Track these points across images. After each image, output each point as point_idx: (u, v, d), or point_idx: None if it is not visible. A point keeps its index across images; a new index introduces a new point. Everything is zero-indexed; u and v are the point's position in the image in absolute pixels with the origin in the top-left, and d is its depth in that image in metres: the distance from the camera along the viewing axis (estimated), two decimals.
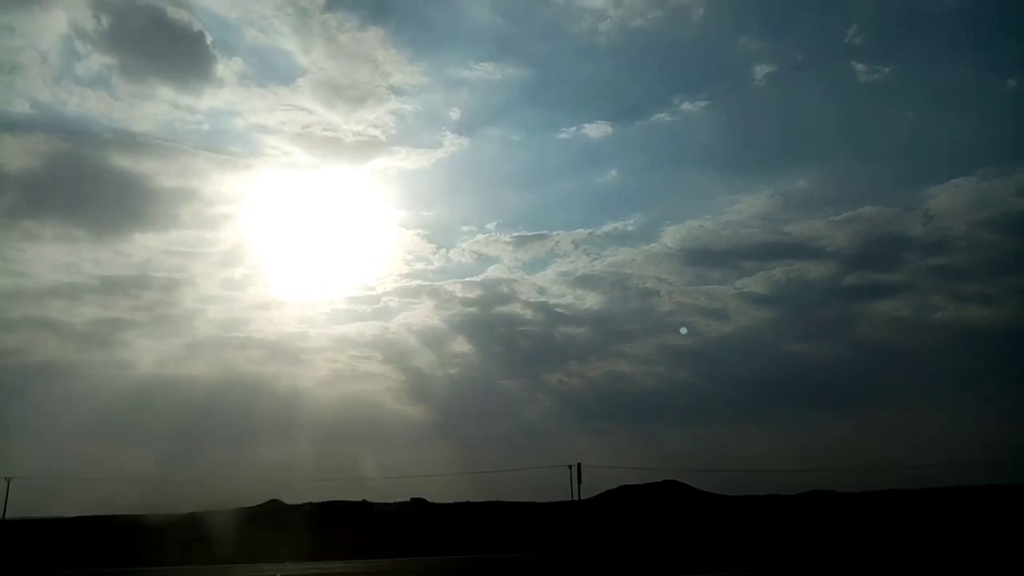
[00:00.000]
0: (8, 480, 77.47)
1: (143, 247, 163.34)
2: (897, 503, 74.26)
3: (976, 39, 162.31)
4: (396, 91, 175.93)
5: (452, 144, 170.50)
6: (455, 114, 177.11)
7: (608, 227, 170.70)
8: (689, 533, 51.16)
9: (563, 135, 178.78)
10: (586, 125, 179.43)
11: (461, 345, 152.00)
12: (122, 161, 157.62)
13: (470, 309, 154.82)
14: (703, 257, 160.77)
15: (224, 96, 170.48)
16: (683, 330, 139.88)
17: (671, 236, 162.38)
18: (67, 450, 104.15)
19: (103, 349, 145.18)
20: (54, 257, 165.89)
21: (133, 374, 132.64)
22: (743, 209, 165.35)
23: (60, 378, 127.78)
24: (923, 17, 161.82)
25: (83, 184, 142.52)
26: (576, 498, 67.21)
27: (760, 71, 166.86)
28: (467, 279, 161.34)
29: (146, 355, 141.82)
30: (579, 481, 65.60)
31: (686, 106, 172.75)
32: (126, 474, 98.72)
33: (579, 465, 66.31)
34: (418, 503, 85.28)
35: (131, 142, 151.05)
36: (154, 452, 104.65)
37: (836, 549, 36.91)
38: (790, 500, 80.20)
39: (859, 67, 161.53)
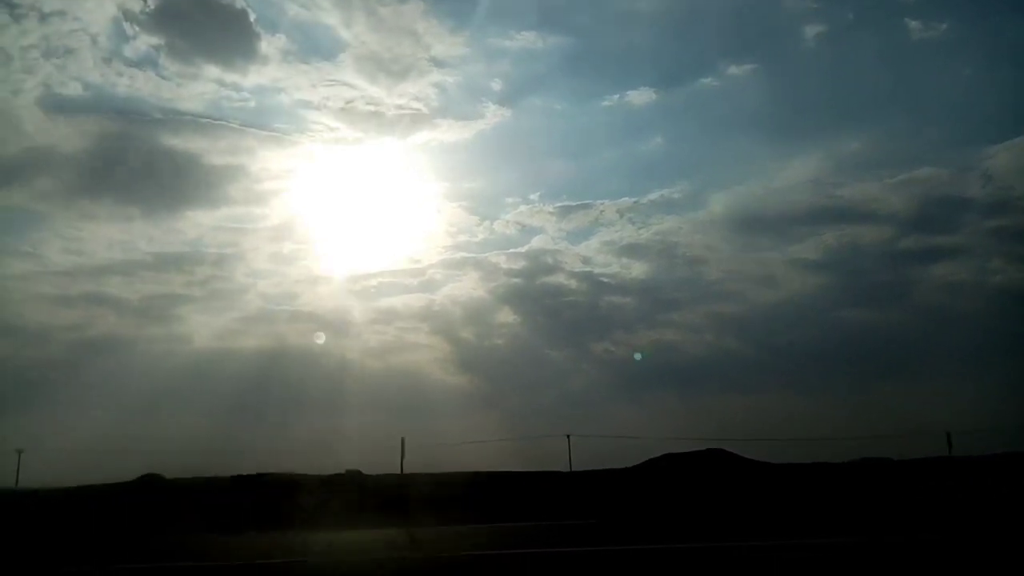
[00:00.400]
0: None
1: (194, 224, 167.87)
2: (952, 469, 72.88)
3: None
4: (438, 63, 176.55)
5: (494, 115, 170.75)
6: (497, 85, 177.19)
7: (654, 195, 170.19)
8: (732, 500, 51.01)
9: (607, 103, 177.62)
10: (630, 92, 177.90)
11: (506, 316, 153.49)
12: (172, 140, 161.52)
13: (515, 280, 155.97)
14: (752, 224, 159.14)
15: (269, 73, 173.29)
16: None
17: (719, 203, 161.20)
18: (127, 421, 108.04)
19: (159, 324, 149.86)
20: (110, 235, 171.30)
21: (188, 348, 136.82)
22: (793, 174, 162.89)
23: (118, 352, 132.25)
24: None
25: (135, 163, 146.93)
26: (569, 470, 71.98)
27: (810, 31, 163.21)
28: (511, 250, 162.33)
29: (201, 329, 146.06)
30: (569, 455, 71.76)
31: (733, 70, 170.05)
32: (184, 443, 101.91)
33: (568, 437, 74.00)
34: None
35: (180, 121, 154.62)
36: (212, 422, 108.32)
37: (881, 517, 36.43)
38: (840, 468, 79.28)
39: (913, 24, 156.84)
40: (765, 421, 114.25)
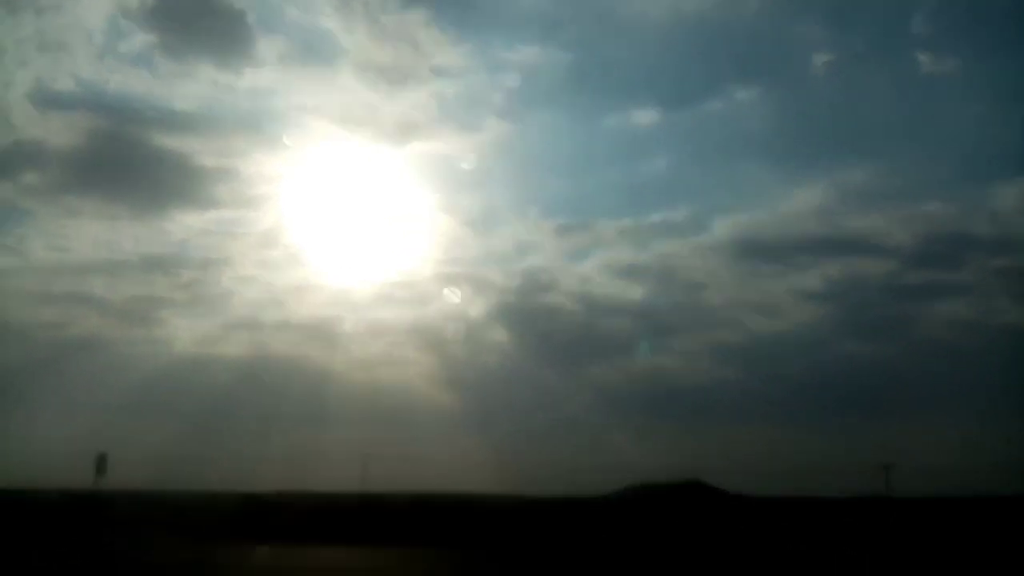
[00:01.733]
0: None
1: (182, 225, 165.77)
2: (947, 509, 69.21)
3: None
4: (438, 73, 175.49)
5: (494, 128, 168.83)
6: (498, 98, 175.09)
7: (655, 217, 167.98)
8: (704, 536, 47.45)
9: (609, 121, 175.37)
10: (634, 111, 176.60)
11: (499, 334, 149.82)
12: (163, 139, 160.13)
13: (509, 298, 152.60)
14: (754, 251, 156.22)
15: (265, 75, 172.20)
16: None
17: (721, 228, 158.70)
18: (100, 424, 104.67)
19: (141, 326, 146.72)
20: (95, 233, 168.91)
21: (169, 352, 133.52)
22: (798, 202, 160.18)
23: (98, 353, 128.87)
24: (990, 8, 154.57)
25: (124, 161, 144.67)
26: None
27: (819, 59, 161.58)
28: (507, 267, 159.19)
29: (183, 334, 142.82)
30: None
31: (740, 93, 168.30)
32: (152, 451, 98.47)
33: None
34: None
35: (172, 120, 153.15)
36: (183, 430, 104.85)
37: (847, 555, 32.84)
38: (827, 504, 75.58)
39: (923, 58, 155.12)
40: (757, 453, 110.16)
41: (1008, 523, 53.84)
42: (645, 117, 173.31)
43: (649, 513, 59.43)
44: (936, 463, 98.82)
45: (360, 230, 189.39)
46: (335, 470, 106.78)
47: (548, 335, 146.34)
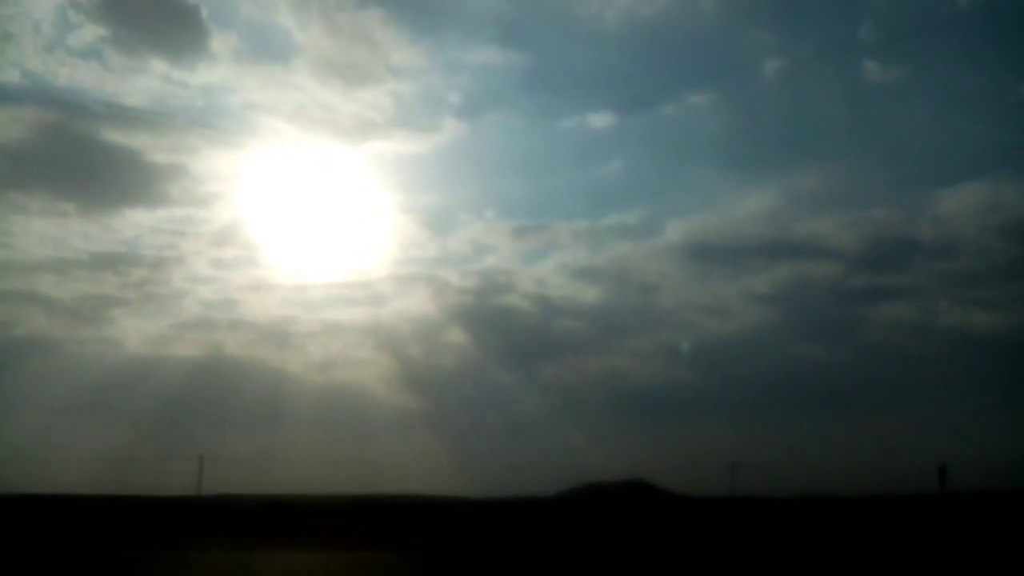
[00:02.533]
0: None
1: (133, 223, 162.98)
2: (889, 507, 71.06)
3: (988, 43, 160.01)
4: (395, 73, 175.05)
5: (451, 129, 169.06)
6: (455, 98, 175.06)
7: (610, 219, 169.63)
8: (643, 536, 48.33)
9: (566, 123, 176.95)
10: (590, 114, 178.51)
11: (455, 335, 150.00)
12: (113, 135, 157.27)
13: (466, 299, 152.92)
14: (706, 254, 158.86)
15: (218, 72, 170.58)
16: (684, 346, 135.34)
17: (674, 231, 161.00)
18: (47, 425, 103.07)
19: (91, 325, 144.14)
20: (43, 230, 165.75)
21: (119, 352, 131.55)
22: (749, 206, 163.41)
23: (46, 353, 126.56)
24: (936, 18, 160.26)
25: (73, 157, 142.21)
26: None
27: (770, 66, 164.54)
28: (463, 268, 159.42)
29: (133, 334, 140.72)
30: None
31: (693, 98, 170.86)
32: (99, 452, 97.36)
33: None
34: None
35: (122, 115, 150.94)
36: (134, 431, 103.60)
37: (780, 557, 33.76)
38: (775, 504, 77.08)
39: (871, 65, 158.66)
40: (708, 453, 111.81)
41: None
42: (601, 120, 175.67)
43: (592, 513, 60.33)
44: (878, 461, 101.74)
45: (316, 230, 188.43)
46: (290, 472, 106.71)
47: (504, 336, 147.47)
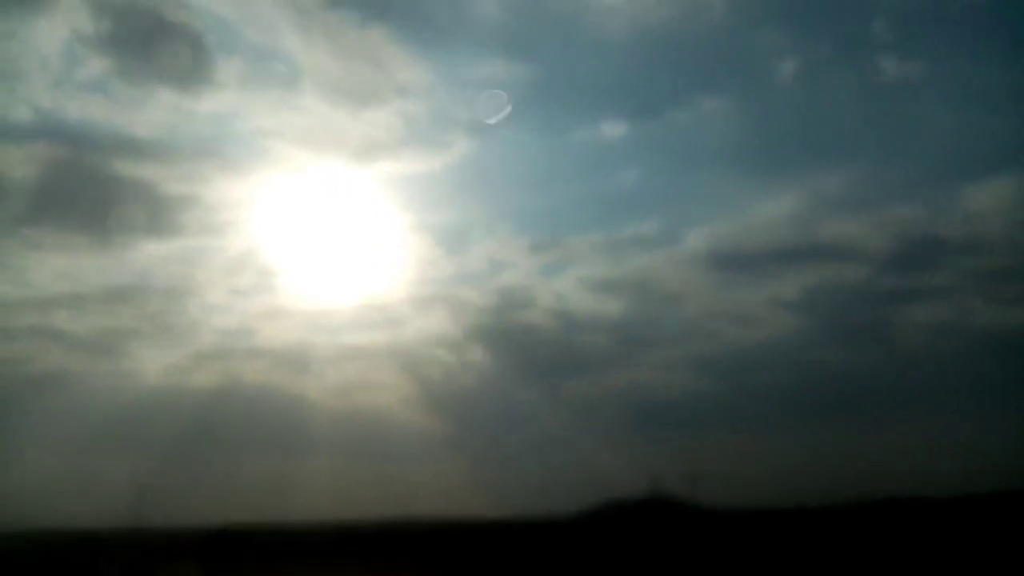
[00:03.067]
0: None
1: (146, 255, 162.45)
2: (935, 512, 68.71)
3: (1007, 34, 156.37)
4: (402, 91, 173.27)
5: (462, 145, 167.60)
6: (465, 114, 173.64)
7: (628, 230, 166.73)
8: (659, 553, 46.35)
9: (578, 135, 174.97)
10: (601, 124, 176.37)
11: (476, 354, 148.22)
12: (124, 167, 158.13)
13: (485, 316, 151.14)
14: (729, 261, 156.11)
15: (225, 99, 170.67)
16: None
17: (695, 239, 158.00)
18: (68, 460, 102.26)
19: (107, 358, 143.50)
20: (57, 265, 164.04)
21: (137, 384, 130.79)
22: (771, 211, 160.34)
23: (64, 388, 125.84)
24: (951, 11, 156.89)
25: (84, 191, 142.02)
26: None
27: (783, 67, 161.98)
28: (481, 285, 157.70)
29: (150, 365, 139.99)
30: None
31: (707, 103, 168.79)
32: (120, 485, 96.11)
33: None
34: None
35: (132, 147, 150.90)
36: (154, 464, 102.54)
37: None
38: (813, 513, 74.78)
39: (887, 62, 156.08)
40: (739, 464, 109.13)
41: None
42: (613, 130, 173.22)
43: (614, 531, 58.62)
44: (920, 466, 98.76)
45: (330, 253, 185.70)
46: (313, 499, 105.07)
47: (525, 352, 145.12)
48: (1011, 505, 64.28)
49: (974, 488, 78.18)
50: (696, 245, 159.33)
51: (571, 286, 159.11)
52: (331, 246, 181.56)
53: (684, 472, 78.72)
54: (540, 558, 45.99)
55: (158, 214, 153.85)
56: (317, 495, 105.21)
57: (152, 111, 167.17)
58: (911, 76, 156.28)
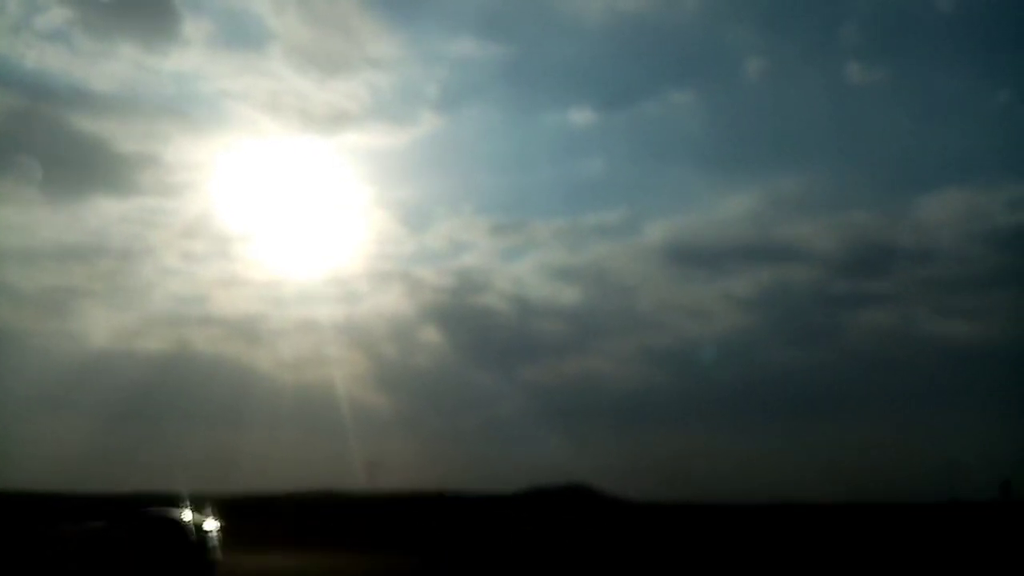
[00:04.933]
0: None
1: (101, 213, 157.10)
2: (859, 516, 70.38)
3: (970, 48, 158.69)
4: (372, 63, 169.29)
5: (429, 122, 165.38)
6: (433, 90, 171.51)
7: (590, 218, 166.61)
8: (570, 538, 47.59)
9: (546, 119, 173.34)
10: (570, 110, 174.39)
11: (431, 334, 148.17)
12: (81, 121, 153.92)
13: (442, 297, 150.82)
14: (687, 255, 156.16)
15: (191, 58, 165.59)
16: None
17: (655, 231, 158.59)
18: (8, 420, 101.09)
19: (56, 318, 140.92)
20: (6, 218, 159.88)
21: (84, 346, 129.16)
22: (730, 207, 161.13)
23: (8, 345, 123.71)
24: (919, 21, 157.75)
25: (39, 143, 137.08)
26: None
27: (752, 65, 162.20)
28: (440, 265, 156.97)
29: (100, 327, 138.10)
30: None
31: (676, 96, 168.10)
32: (63, 448, 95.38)
33: None
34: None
35: (91, 101, 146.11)
36: (98, 428, 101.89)
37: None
38: (736, 510, 76.41)
39: (853, 67, 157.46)
40: (685, 456, 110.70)
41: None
42: (582, 116, 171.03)
43: (531, 514, 60.27)
44: (858, 469, 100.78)
45: (289, 223, 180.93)
46: (260, 470, 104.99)
47: (480, 335, 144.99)
48: (948, 515, 66.08)
49: (907, 497, 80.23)
50: (656, 237, 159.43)
51: (530, 271, 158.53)
52: (290, 215, 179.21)
53: (616, 463, 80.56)
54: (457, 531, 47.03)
55: (114, 171, 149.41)
56: (263, 466, 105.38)
57: (114, 65, 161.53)
58: (876, 82, 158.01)
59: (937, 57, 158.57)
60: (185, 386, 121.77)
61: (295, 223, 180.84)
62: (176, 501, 36.44)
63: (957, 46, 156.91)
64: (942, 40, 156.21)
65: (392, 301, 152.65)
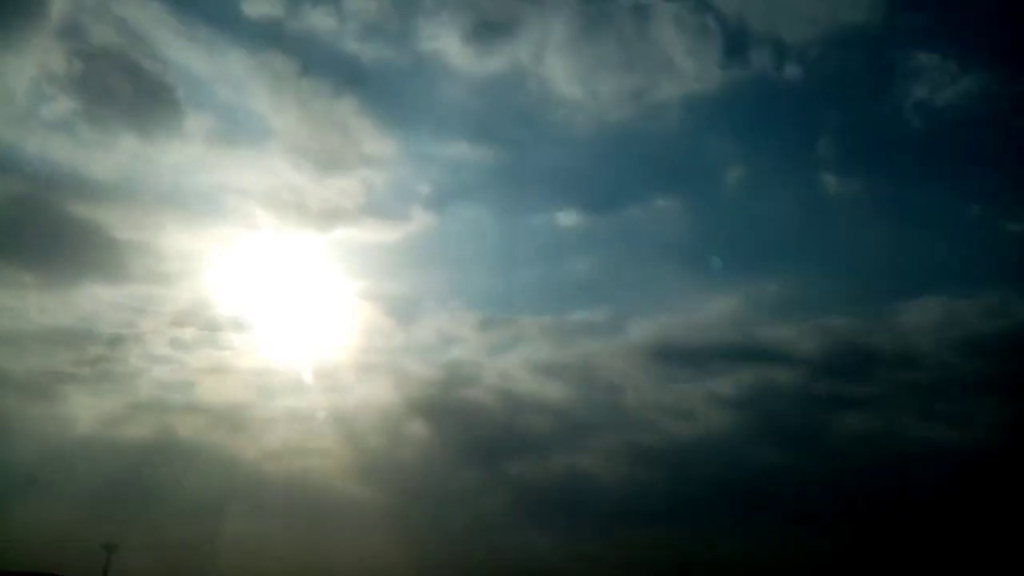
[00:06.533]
0: None
1: (92, 298, 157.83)
2: None
3: (941, 163, 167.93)
4: (367, 161, 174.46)
5: (420, 219, 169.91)
6: (425, 189, 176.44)
7: (576, 316, 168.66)
8: None
9: (534, 220, 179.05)
10: (558, 212, 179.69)
11: (418, 427, 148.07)
12: (79, 208, 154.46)
13: (430, 390, 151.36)
14: (671, 355, 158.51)
15: (191, 151, 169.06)
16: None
17: (639, 331, 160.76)
18: None
19: (41, 401, 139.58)
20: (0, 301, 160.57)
21: (69, 431, 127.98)
22: (713, 309, 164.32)
23: None
24: (891, 137, 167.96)
25: (37, 228, 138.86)
26: None
27: (733, 174, 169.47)
28: (429, 358, 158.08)
29: (85, 412, 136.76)
30: None
31: (659, 202, 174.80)
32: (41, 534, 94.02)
33: None
34: None
35: (90, 189, 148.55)
36: (80, 515, 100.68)
37: None
38: None
39: (829, 178, 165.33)
40: (670, 555, 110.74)
41: None
42: (568, 219, 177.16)
43: None
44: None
45: (279, 314, 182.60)
46: (239, 562, 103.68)
47: (467, 429, 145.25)
48: None
49: None
50: (640, 337, 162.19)
51: (517, 366, 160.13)
52: (281, 306, 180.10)
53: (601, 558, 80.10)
54: None
55: (108, 258, 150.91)
56: (241, 558, 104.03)
57: (114, 156, 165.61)
58: (850, 194, 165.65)
59: (910, 171, 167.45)
60: (165, 473, 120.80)
61: (286, 314, 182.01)
62: None
63: (930, 161, 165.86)
64: (915, 155, 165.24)
65: (379, 393, 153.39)
